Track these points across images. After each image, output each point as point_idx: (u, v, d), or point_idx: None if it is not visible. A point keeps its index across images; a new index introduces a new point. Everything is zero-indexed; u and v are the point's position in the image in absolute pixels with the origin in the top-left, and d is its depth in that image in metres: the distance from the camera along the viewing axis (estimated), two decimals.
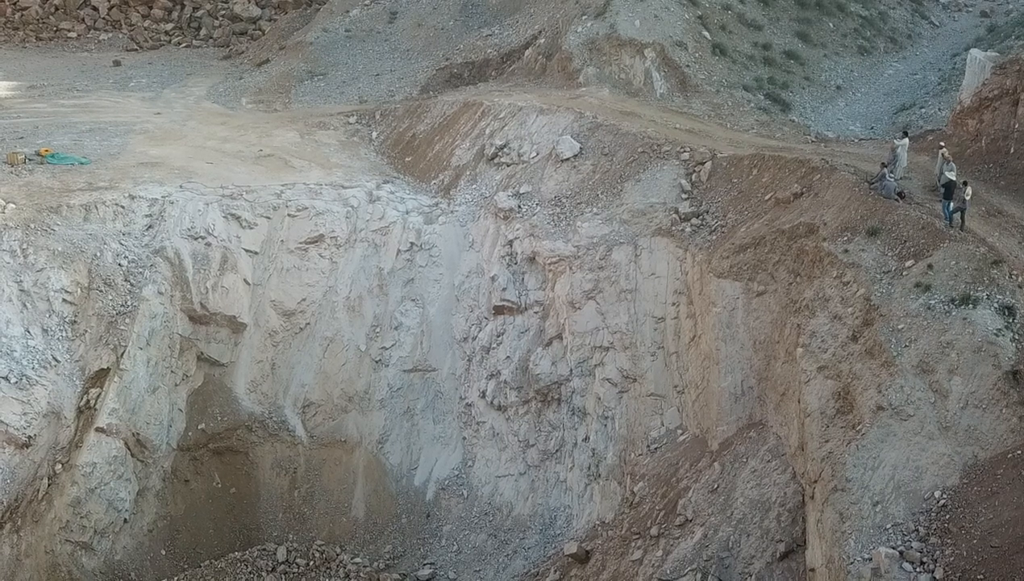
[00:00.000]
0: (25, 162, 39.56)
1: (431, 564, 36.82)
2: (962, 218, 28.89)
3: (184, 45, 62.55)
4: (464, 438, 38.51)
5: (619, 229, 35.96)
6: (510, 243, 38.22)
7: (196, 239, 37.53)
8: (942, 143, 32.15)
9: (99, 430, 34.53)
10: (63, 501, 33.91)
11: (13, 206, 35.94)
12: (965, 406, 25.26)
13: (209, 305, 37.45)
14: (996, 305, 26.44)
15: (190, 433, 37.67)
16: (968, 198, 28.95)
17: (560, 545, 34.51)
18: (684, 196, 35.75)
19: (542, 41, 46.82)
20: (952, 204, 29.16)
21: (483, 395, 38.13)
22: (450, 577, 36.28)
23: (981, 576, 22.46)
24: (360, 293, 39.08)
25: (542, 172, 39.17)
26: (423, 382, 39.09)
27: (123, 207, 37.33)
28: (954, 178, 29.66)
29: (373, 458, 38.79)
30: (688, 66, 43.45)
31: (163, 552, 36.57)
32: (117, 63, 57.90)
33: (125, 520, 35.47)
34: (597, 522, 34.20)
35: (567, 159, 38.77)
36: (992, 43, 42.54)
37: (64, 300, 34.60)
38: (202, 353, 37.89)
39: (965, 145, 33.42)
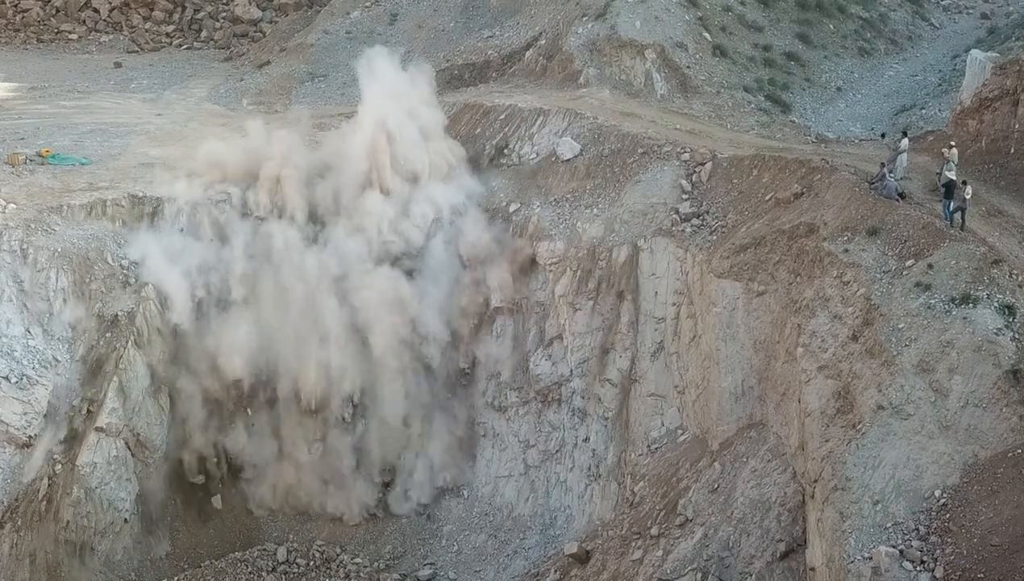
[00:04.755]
0: (26, 163, 39.68)
1: (431, 564, 36.88)
2: (962, 218, 28.89)
3: (185, 47, 62.56)
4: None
5: (619, 229, 35.99)
6: (511, 244, 38.22)
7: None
8: (952, 144, 32.14)
9: (99, 430, 34.58)
10: (63, 501, 33.93)
11: (14, 206, 36.05)
12: (965, 405, 25.26)
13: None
14: (996, 304, 26.44)
15: None
16: (968, 197, 28.96)
17: (560, 545, 34.57)
18: (684, 196, 35.77)
19: (543, 42, 46.84)
20: (952, 204, 29.17)
21: (483, 395, 38.17)
22: (450, 577, 36.33)
23: (981, 575, 22.47)
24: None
25: (543, 173, 39.16)
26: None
27: (123, 207, 37.41)
28: (954, 178, 29.67)
29: None
30: (689, 67, 43.44)
31: (164, 552, 36.63)
32: (118, 65, 57.95)
33: (125, 520, 35.52)
34: (597, 522, 34.29)
35: (568, 160, 38.78)
36: (992, 44, 42.49)
37: (64, 300, 34.69)
38: None
39: (965, 145, 33.35)
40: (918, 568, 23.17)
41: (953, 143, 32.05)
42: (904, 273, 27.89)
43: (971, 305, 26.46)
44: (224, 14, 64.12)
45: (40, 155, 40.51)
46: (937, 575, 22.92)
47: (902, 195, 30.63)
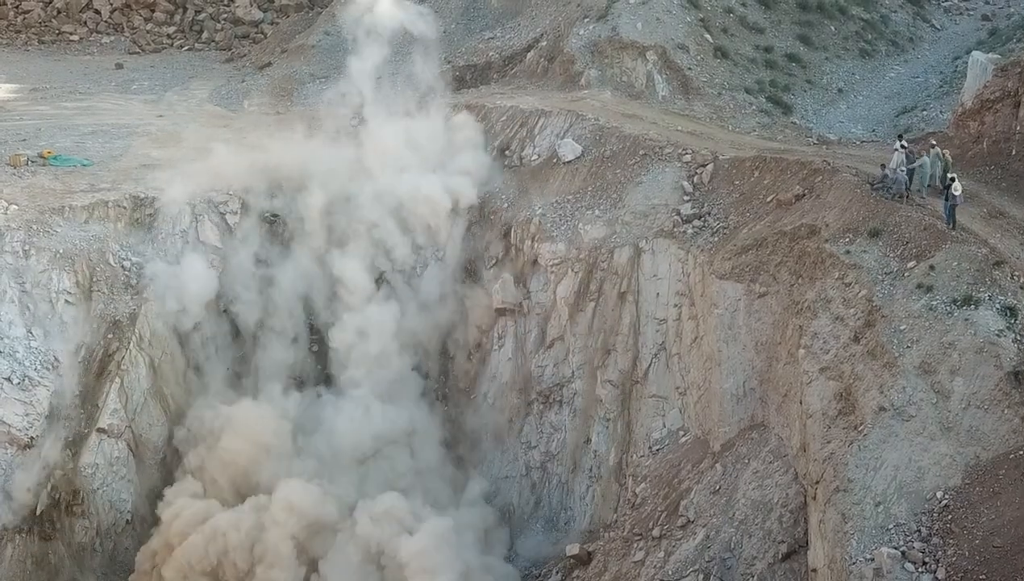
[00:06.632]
0: (28, 164, 39.80)
1: None
2: (953, 214, 28.87)
3: (186, 48, 62.61)
4: None
5: (621, 231, 36.02)
6: (512, 245, 38.26)
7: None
8: (933, 142, 32.23)
9: (101, 431, 34.63)
10: (65, 502, 33.92)
11: (16, 207, 36.12)
12: (967, 407, 25.24)
13: None
14: (998, 306, 26.44)
15: None
16: (957, 193, 28.87)
17: (562, 546, 34.53)
18: (686, 198, 35.79)
19: (544, 44, 46.90)
20: (948, 203, 29.14)
21: (485, 397, 38.19)
22: None
23: (983, 576, 22.45)
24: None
25: (544, 174, 39.20)
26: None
27: (124, 208, 37.48)
28: (955, 177, 29.66)
29: None
30: (690, 69, 43.46)
31: None
32: (119, 66, 58.00)
33: (127, 521, 35.52)
34: (599, 523, 34.24)
35: (569, 161, 38.81)
36: (993, 46, 42.54)
37: (66, 301, 34.76)
38: None
39: (966, 147, 33.42)
40: (920, 569, 23.15)
41: (934, 142, 32.18)
42: (906, 274, 27.89)
43: (973, 307, 26.46)
44: (225, 15, 64.16)
45: (42, 156, 40.63)
46: (939, 576, 22.91)
47: (903, 197, 30.64)
